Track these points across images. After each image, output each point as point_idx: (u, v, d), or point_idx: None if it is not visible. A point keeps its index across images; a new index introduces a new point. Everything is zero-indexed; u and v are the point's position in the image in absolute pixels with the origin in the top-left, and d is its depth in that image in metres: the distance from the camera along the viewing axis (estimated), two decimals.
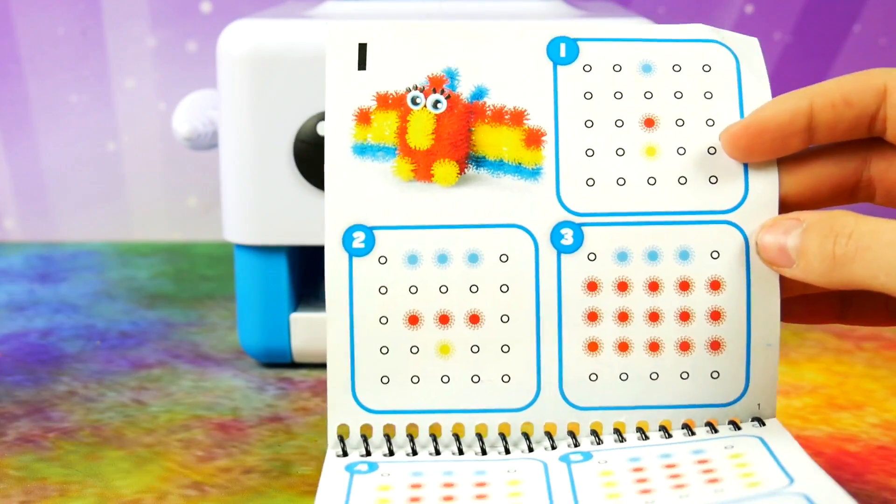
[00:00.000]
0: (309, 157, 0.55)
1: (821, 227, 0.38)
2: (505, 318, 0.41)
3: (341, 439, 0.42)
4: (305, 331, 0.57)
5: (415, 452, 0.41)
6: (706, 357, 0.41)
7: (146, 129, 0.84)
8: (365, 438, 0.42)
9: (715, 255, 0.41)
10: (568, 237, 0.41)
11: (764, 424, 0.41)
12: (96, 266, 0.79)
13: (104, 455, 0.49)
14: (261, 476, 0.47)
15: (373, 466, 0.40)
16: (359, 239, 0.41)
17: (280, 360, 0.59)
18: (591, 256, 0.41)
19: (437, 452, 0.41)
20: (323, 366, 0.43)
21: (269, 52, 0.55)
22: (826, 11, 0.84)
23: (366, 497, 0.38)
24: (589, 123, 0.41)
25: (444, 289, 0.41)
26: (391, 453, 0.41)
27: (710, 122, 0.41)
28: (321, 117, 0.55)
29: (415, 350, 0.42)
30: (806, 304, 0.43)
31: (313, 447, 0.49)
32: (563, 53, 0.42)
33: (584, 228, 0.41)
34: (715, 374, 0.41)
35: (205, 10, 0.83)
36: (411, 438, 0.42)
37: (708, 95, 0.41)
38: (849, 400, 0.54)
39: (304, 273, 0.61)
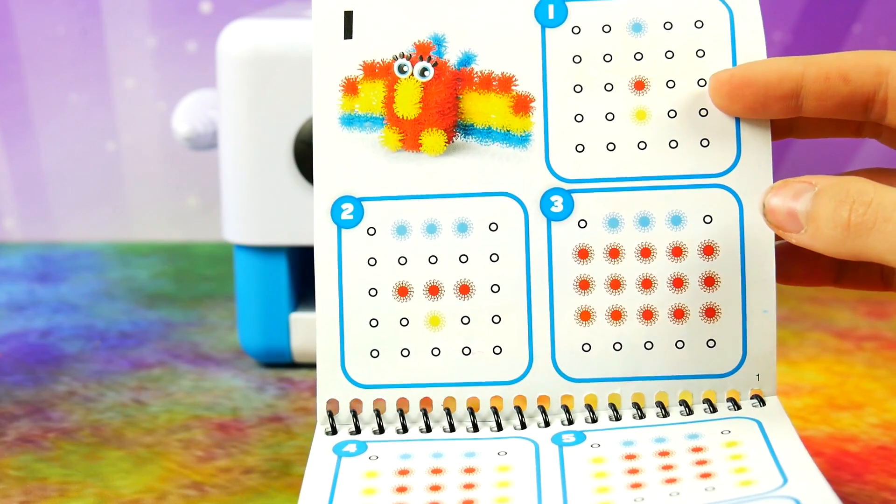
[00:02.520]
0: (309, 157, 0.55)
1: (835, 192, 0.36)
2: (495, 288, 0.41)
3: (330, 415, 0.41)
4: (305, 331, 0.57)
5: (405, 429, 0.41)
6: (701, 325, 0.41)
7: (146, 129, 0.84)
8: (354, 414, 0.41)
9: (708, 219, 0.40)
10: (558, 204, 0.41)
11: (764, 404, 0.40)
12: (96, 266, 0.79)
13: (104, 455, 0.49)
14: (261, 476, 0.46)
15: (361, 447, 0.40)
16: (347, 210, 0.41)
17: (280, 360, 0.59)
18: (582, 223, 0.41)
19: (428, 428, 0.41)
20: None
21: (269, 52, 0.55)
22: (826, 11, 0.84)
23: (352, 485, 0.38)
24: (578, 88, 0.41)
25: (433, 259, 0.41)
26: (381, 430, 0.41)
27: (701, 83, 0.40)
28: None
29: (404, 322, 0.41)
30: (804, 265, 0.42)
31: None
32: (551, 15, 0.41)
33: (574, 195, 0.41)
34: (711, 343, 0.41)
35: (205, 10, 0.83)
36: (401, 413, 0.41)
37: (700, 54, 0.41)
38: (849, 400, 0.54)
39: (304, 273, 0.61)
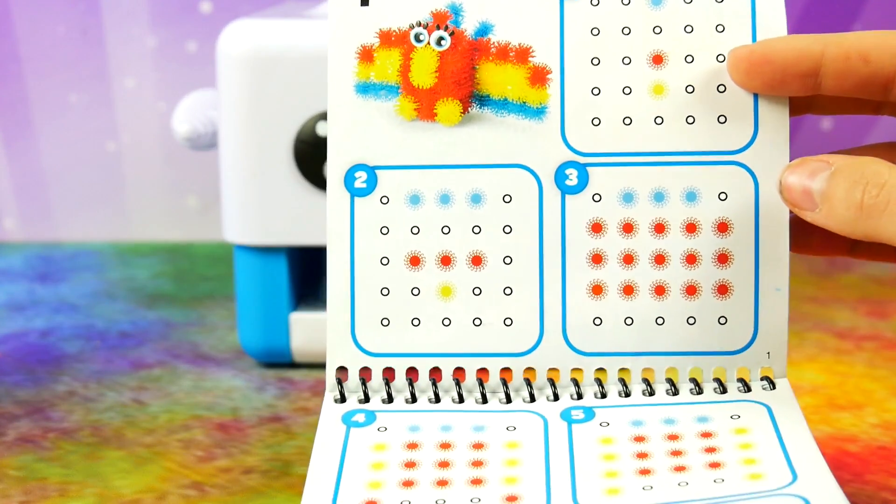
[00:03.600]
0: (309, 157, 0.55)
1: (850, 172, 0.36)
2: (507, 260, 0.41)
3: (339, 383, 0.41)
4: (305, 331, 0.57)
5: (414, 398, 0.41)
6: (713, 301, 0.40)
7: (146, 129, 0.84)
8: (364, 382, 0.41)
9: (723, 196, 0.40)
10: (572, 177, 0.41)
11: (774, 387, 0.40)
12: (96, 266, 0.79)
13: (104, 455, 0.49)
14: (261, 476, 0.46)
15: (370, 417, 0.40)
16: (361, 178, 0.41)
17: (280, 360, 0.59)
18: (596, 197, 0.41)
19: (437, 398, 0.41)
20: (323, 366, 0.43)
21: (269, 52, 0.55)
22: (826, 11, 0.84)
23: (361, 459, 0.38)
24: (595, 61, 0.41)
25: (445, 229, 0.41)
26: (390, 399, 0.41)
27: (720, 58, 0.40)
28: (321, 117, 0.55)
29: (416, 292, 0.41)
30: (820, 236, 0.41)
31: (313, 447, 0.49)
32: None
33: (589, 169, 0.41)
34: (722, 320, 0.40)
35: (205, 10, 0.83)
36: (410, 383, 0.41)
37: (720, 28, 0.40)
38: (849, 400, 0.53)
39: (304, 273, 0.61)
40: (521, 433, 0.39)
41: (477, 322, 0.41)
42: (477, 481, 0.37)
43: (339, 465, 0.38)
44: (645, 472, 0.37)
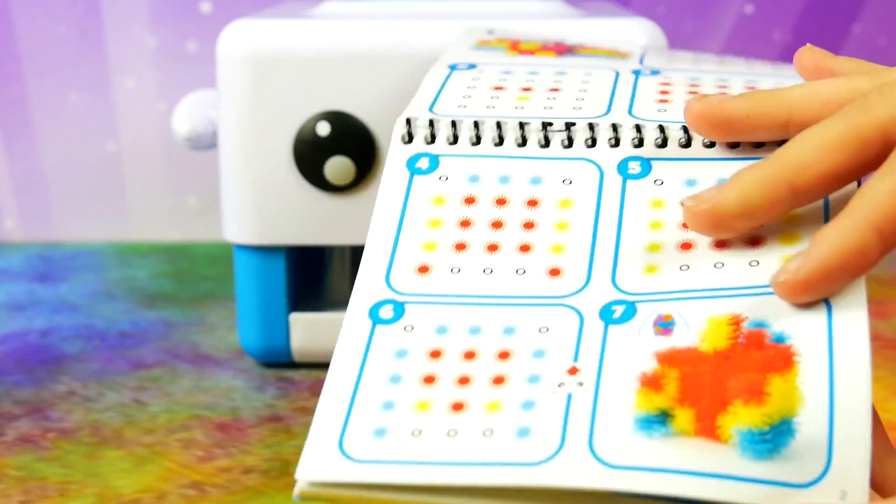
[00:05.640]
0: (309, 157, 0.55)
1: None
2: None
3: (409, 122, 0.41)
4: (305, 331, 0.57)
5: (478, 140, 0.40)
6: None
7: (146, 129, 0.84)
8: (431, 123, 0.41)
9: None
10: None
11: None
12: (96, 266, 0.79)
13: (104, 455, 0.49)
14: (260, 476, 0.47)
15: (433, 162, 0.40)
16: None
17: (280, 360, 0.59)
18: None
19: (500, 141, 0.40)
20: (322, 366, 0.43)
21: (269, 52, 0.55)
22: (826, 11, 0.84)
23: (420, 214, 0.38)
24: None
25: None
26: (454, 140, 0.41)
27: None
28: (321, 117, 0.55)
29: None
30: None
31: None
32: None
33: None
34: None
35: (205, 10, 0.83)
36: (476, 125, 0.41)
37: None
38: None
39: (304, 273, 0.61)
40: (575, 188, 0.39)
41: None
42: (525, 248, 0.37)
43: (399, 218, 0.38)
44: (686, 245, 0.36)
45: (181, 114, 0.59)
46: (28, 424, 0.52)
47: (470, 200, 0.39)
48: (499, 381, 0.34)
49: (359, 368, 0.35)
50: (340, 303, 0.59)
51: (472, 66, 0.44)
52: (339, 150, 0.55)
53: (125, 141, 0.85)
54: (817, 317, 0.34)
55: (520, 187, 0.39)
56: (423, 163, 0.40)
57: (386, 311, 0.36)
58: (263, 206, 0.56)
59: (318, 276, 0.61)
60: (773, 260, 0.35)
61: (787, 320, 0.34)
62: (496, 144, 0.41)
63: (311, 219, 0.56)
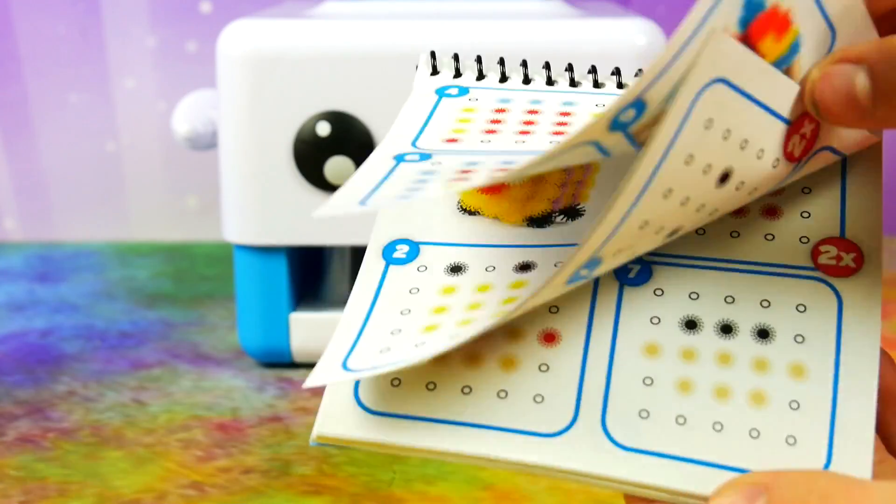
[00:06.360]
0: (309, 157, 0.55)
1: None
2: None
3: (433, 56, 0.40)
4: (305, 331, 0.57)
5: (505, 78, 0.40)
6: None
7: (146, 129, 0.84)
8: (457, 58, 0.40)
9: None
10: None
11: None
12: (96, 266, 0.79)
13: (104, 455, 0.49)
14: (260, 476, 0.47)
15: (462, 91, 0.39)
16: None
17: (280, 360, 0.59)
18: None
19: (528, 80, 0.40)
20: None
21: (269, 52, 0.55)
22: None
23: (450, 115, 0.38)
24: None
25: None
26: (481, 76, 0.40)
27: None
28: (321, 117, 0.55)
29: None
30: None
31: (313, 447, 0.49)
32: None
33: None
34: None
35: (205, 10, 0.83)
36: (502, 62, 0.40)
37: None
38: None
39: (304, 273, 0.61)
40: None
41: None
42: (559, 133, 0.37)
43: (424, 122, 0.38)
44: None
45: (181, 114, 0.59)
46: (28, 424, 0.52)
47: (501, 111, 0.39)
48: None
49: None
50: (340, 303, 0.59)
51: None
52: (339, 150, 0.55)
53: (125, 141, 0.85)
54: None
55: (551, 105, 0.39)
56: (453, 90, 0.40)
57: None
58: (263, 206, 0.56)
59: (318, 276, 0.61)
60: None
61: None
62: (524, 83, 0.40)
63: (310, 219, 0.56)
